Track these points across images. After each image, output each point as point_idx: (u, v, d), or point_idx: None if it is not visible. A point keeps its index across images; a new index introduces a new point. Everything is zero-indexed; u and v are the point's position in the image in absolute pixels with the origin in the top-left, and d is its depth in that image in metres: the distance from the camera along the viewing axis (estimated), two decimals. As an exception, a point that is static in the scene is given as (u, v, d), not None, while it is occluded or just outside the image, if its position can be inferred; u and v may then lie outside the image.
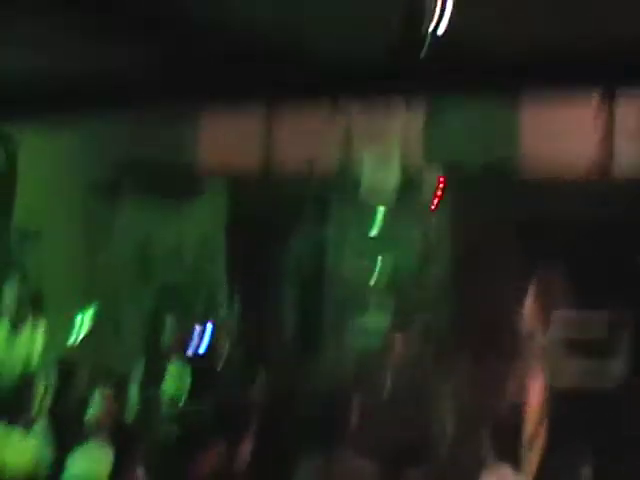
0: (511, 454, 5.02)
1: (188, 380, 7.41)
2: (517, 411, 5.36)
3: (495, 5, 6.27)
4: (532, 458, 6.26)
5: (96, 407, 6.29)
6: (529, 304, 6.54)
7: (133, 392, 7.33)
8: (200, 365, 7.74)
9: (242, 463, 5.40)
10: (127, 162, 9.61)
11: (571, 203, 7.87)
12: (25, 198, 8.93)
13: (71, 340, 7.59)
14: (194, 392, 7.32)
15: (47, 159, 9.08)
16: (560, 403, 5.83)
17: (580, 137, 8.14)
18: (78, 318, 7.60)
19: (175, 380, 7.40)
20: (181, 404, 7.20)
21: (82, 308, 7.64)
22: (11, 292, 7.73)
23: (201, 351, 8.31)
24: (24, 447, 6.23)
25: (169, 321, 7.98)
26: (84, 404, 6.56)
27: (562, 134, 8.16)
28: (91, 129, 9.02)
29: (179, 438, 6.73)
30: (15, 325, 7.71)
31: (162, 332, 7.87)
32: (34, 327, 7.78)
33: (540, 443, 6.12)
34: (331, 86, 7.52)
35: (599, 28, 6.46)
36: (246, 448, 5.45)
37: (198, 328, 8.66)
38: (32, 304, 7.85)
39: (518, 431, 5.22)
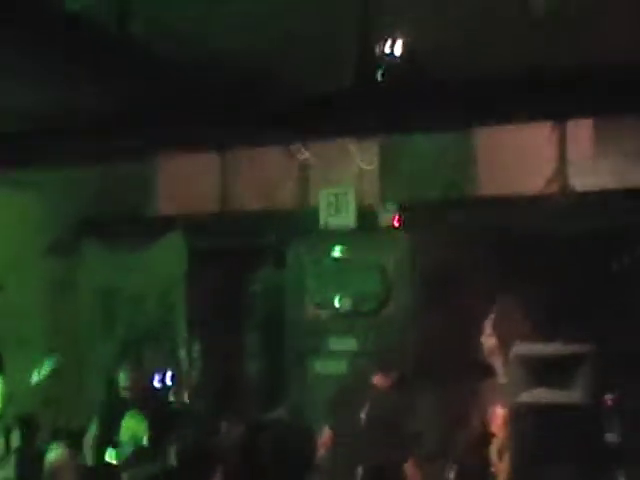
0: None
1: (144, 432, 7.30)
2: (481, 444, 5.25)
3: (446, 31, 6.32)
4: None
5: (53, 462, 6.16)
6: (488, 334, 6.50)
7: (88, 447, 7.23)
8: (160, 415, 7.62)
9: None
10: (88, 216, 9.59)
11: (530, 222, 7.89)
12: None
13: (30, 395, 7.50)
14: (153, 443, 7.21)
15: (9, 217, 9.01)
16: (521, 435, 5.75)
17: (535, 159, 8.18)
18: (37, 371, 7.51)
19: (131, 432, 7.30)
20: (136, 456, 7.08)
21: (41, 362, 7.55)
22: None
23: (161, 402, 8.19)
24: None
25: (127, 371, 7.83)
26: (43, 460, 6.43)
27: (517, 157, 8.20)
28: (51, 187, 9.00)
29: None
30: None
31: (120, 383, 7.72)
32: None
33: (502, 476, 6.08)
34: (285, 126, 7.48)
35: (552, 58, 6.51)
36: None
37: (158, 378, 8.57)
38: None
39: (483, 465, 5.11)
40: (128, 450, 7.20)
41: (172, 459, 6.63)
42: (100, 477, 5.87)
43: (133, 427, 7.34)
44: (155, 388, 8.56)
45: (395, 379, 7.20)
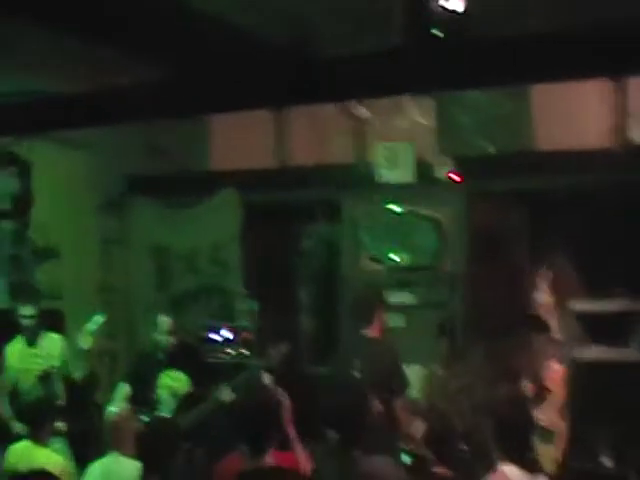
0: (519, 454, 4.80)
1: (183, 388, 7.34)
2: (527, 407, 5.16)
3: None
4: (550, 452, 6.21)
5: (113, 417, 6.21)
6: (543, 290, 6.46)
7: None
8: (202, 370, 7.66)
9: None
10: (139, 174, 9.62)
11: (588, 177, 7.78)
12: (40, 216, 8.95)
13: (85, 351, 7.55)
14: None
15: (61, 176, 9.08)
16: (579, 393, 5.72)
17: (593, 117, 8.04)
18: (89, 328, 7.55)
19: (169, 390, 7.32)
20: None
21: (95, 318, 7.58)
22: (28, 307, 7.72)
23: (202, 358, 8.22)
24: (48, 461, 6.19)
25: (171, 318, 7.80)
26: (99, 419, 6.50)
27: (575, 115, 8.07)
28: (101, 145, 9.04)
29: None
30: (32, 340, 7.71)
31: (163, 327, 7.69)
32: (51, 342, 7.79)
33: (560, 435, 6.06)
34: (341, 84, 7.41)
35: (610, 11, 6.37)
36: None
37: (213, 331, 8.61)
38: (48, 319, 7.84)
39: (527, 429, 5.01)
40: (169, 406, 7.27)
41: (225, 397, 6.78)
42: (159, 430, 5.87)
43: (171, 385, 7.36)
44: (210, 341, 8.58)
45: (382, 327, 7.10)
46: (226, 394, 7.03)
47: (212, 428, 6.90)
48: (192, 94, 7.35)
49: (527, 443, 4.95)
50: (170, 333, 7.64)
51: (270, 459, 4.95)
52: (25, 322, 7.68)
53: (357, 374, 6.63)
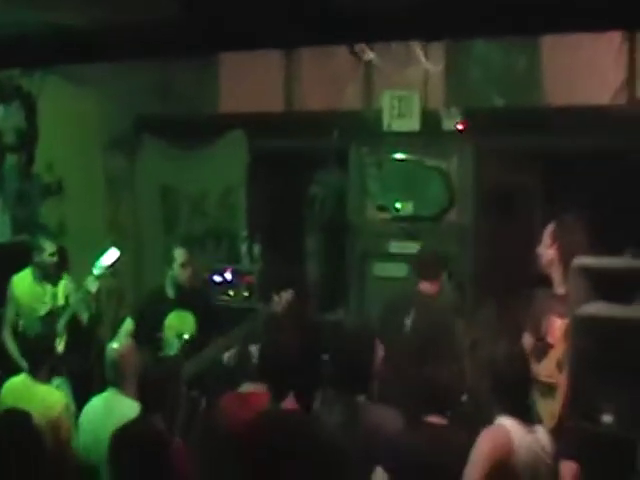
0: (518, 407, 4.90)
1: (190, 329, 7.37)
2: (526, 362, 5.23)
3: None
4: (549, 406, 6.28)
5: (116, 352, 6.25)
6: (547, 244, 6.45)
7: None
8: (209, 313, 7.69)
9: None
10: (148, 114, 9.61)
11: (596, 138, 7.80)
12: (46, 151, 8.95)
13: (92, 289, 7.59)
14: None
15: (68, 113, 9.08)
16: (581, 349, 5.75)
17: (603, 74, 8.05)
18: (97, 265, 7.57)
19: (175, 330, 7.35)
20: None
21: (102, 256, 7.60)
22: (35, 244, 7.77)
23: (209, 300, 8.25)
24: (48, 397, 6.26)
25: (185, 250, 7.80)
26: (102, 356, 6.53)
27: (585, 72, 8.07)
28: (111, 83, 9.02)
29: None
30: (39, 277, 7.77)
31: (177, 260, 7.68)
32: (57, 279, 7.84)
33: (560, 391, 6.11)
34: (351, 30, 7.38)
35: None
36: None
37: (218, 274, 8.66)
38: (55, 256, 7.87)
39: (526, 383, 5.10)
40: (175, 346, 7.31)
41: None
42: (163, 368, 5.92)
43: (177, 325, 7.40)
44: (214, 283, 8.64)
45: (440, 286, 7.21)
46: (228, 341, 7.01)
47: (218, 375, 6.92)
48: (202, 31, 7.34)
49: (526, 397, 5.08)
50: (186, 265, 7.64)
51: (291, 403, 5.04)
52: (41, 258, 7.72)
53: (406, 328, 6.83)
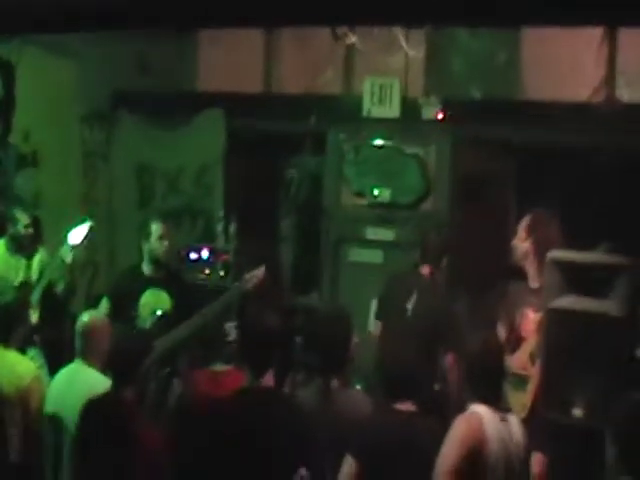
0: (490, 396, 4.98)
1: (165, 307, 7.35)
2: (500, 353, 5.30)
3: None
4: (521, 398, 6.37)
5: (86, 324, 6.25)
6: (522, 238, 6.52)
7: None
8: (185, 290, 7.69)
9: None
10: (126, 89, 9.58)
11: (572, 130, 7.89)
12: (22, 121, 8.90)
13: (66, 260, 7.55)
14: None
15: (46, 83, 9.02)
16: (554, 343, 5.83)
17: (582, 72, 8.13)
18: (74, 238, 7.53)
19: (151, 308, 7.32)
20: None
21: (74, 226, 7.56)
22: (24, 216, 7.74)
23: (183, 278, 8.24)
24: (18, 367, 6.27)
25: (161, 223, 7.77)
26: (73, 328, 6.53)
27: (563, 66, 8.15)
28: (89, 57, 8.98)
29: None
30: (13, 248, 7.74)
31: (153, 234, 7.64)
32: (32, 251, 7.82)
33: (532, 383, 6.20)
34: (333, 12, 7.39)
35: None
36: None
37: (194, 252, 8.66)
38: (30, 228, 7.85)
39: (499, 374, 5.17)
40: (149, 323, 7.28)
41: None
42: (134, 342, 5.93)
43: (153, 303, 7.35)
44: (190, 261, 8.64)
45: (440, 270, 7.27)
46: (202, 318, 6.98)
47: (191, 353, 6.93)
48: (182, 5, 7.31)
49: (499, 387, 5.16)
50: (163, 238, 7.56)
51: (269, 380, 5.08)
52: (15, 230, 7.70)
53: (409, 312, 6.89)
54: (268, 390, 5.08)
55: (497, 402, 5.01)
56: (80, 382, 5.92)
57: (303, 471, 5.05)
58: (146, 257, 7.58)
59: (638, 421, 4.52)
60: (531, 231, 6.51)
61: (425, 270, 7.24)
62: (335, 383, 5.33)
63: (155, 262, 7.55)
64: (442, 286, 7.33)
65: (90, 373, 5.97)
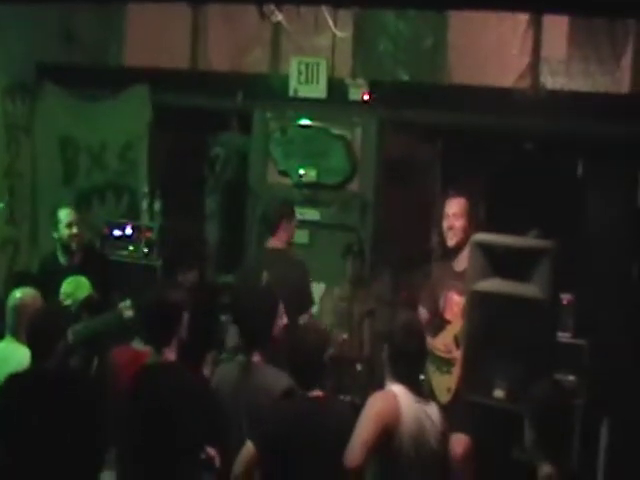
0: (411, 378, 5.04)
1: (85, 294, 7.27)
2: (421, 335, 5.34)
3: None
4: (445, 381, 6.46)
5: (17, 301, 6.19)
6: (457, 219, 6.59)
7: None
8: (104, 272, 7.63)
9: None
10: (50, 61, 9.44)
11: (497, 115, 8.00)
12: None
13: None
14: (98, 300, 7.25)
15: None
16: (476, 325, 5.91)
17: (507, 57, 8.24)
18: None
19: (71, 297, 7.21)
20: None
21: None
22: None
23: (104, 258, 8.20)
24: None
25: (71, 209, 7.70)
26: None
27: (489, 52, 8.25)
28: (13, 28, 8.83)
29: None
30: None
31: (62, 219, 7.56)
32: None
33: (457, 363, 6.28)
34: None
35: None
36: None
37: (116, 230, 8.61)
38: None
39: (421, 356, 5.22)
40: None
41: (129, 311, 6.80)
42: (48, 318, 5.87)
43: (72, 291, 7.25)
44: (113, 237, 8.57)
45: (286, 239, 7.35)
46: (127, 309, 6.87)
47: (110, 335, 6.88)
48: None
49: (418, 368, 5.21)
50: (72, 225, 7.56)
51: (172, 355, 5.22)
52: None
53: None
54: (169, 365, 5.19)
55: (415, 383, 5.06)
56: (12, 359, 5.86)
57: (211, 450, 5.14)
58: (58, 245, 7.51)
59: (552, 404, 4.64)
60: (465, 212, 6.58)
61: (270, 243, 7.38)
62: (256, 357, 5.36)
63: (67, 250, 7.47)
64: (289, 255, 7.38)
65: (21, 350, 5.88)
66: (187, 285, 7.08)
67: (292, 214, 7.48)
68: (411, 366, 5.06)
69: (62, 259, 7.51)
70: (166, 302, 5.32)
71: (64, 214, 7.57)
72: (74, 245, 7.53)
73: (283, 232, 7.35)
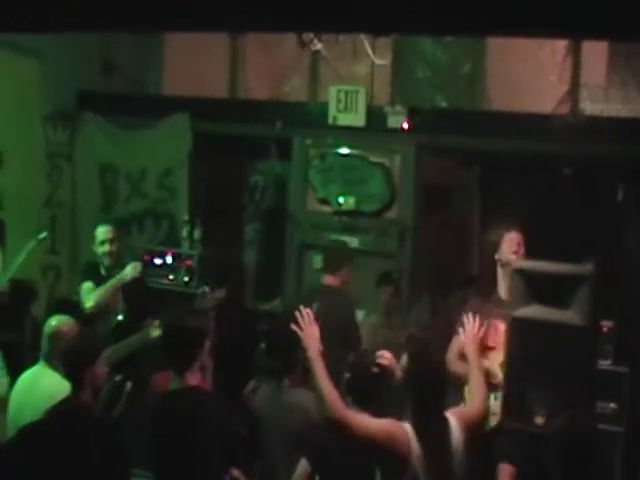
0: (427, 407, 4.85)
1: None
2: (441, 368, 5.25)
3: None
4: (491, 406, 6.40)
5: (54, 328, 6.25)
6: (511, 252, 6.53)
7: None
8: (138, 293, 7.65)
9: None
10: (91, 90, 9.55)
11: (535, 141, 7.98)
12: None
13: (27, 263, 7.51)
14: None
15: (10, 83, 8.94)
16: (517, 350, 5.87)
17: (546, 84, 8.22)
18: (33, 240, 7.53)
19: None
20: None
21: (38, 231, 7.54)
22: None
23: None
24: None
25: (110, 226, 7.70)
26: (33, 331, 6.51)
27: (528, 79, 8.24)
28: (54, 56, 8.94)
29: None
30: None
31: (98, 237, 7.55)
32: (-7, 253, 7.76)
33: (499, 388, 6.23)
34: (299, 18, 7.41)
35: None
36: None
37: (156, 258, 8.65)
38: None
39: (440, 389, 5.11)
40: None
41: (156, 332, 6.85)
42: (83, 345, 5.90)
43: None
44: (154, 265, 8.62)
45: (343, 279, 7.45)
46: (155, 330, 6.98)
47: (142, 359, 6.92)
48: (147, 7, 7.28)
49: (435, 401, 4.96)
50: (106, 242, 7.53)
51: (194, 380, 5.21)
52: None
53: None
54: (190, 390, 5.18)
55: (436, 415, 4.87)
56: (42, 385, 5.94)
57: (235, 472, 5.17)
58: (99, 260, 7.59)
59: (572, 434, 4.56)
60: (521, 246, 6.54)
61: (327, 280, 7.44)
62: (286, 383, 5.57)
63: (103, 265, 7.53)
64: (343, 293, 7.45)
65: (53, 376, 5.95)
66: (213, 303, 7.12)
67: (352, 259, 7.65)
68: (428, 398, 4.76)
69: (102, 271, 7.57)
70: (187, 327, 5.31)
71: (100, 232, 7.60)
72: (109, 261, 7.55)
73: (342, 274, 7.48)
